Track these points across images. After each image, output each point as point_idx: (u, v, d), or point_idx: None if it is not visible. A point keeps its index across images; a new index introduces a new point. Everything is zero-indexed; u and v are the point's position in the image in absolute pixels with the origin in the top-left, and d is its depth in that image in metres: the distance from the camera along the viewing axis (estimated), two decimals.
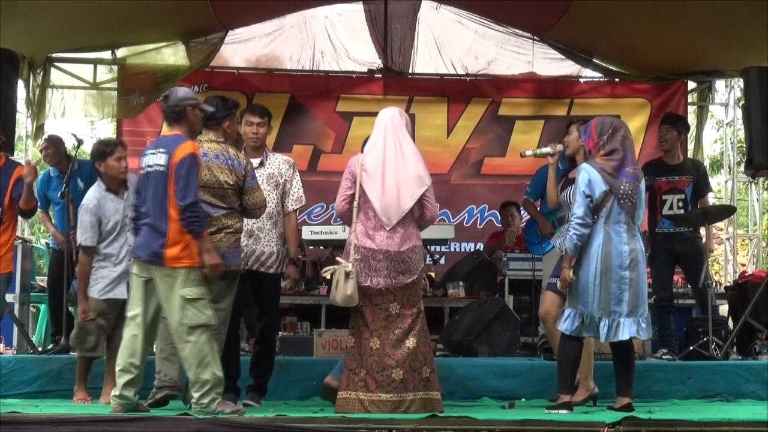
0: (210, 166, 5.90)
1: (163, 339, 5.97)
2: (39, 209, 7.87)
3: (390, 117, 6.04)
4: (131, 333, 5.65)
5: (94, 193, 6.48)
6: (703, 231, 8.33)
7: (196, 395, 5.47)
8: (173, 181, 5.53)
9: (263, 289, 6.30)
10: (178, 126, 5.73)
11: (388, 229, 5.84)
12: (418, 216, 5.95)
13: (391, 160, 5.91)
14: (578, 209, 5.77)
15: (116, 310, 6.43)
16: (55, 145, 8.08)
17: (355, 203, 5.94)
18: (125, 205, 6.44)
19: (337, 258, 5.98)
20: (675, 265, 8.36)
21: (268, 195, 6.23)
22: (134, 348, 5.62)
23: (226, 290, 5.96)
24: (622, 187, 5.79)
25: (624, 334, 5.79)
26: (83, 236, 6.43)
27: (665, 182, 8.17)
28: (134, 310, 5.68)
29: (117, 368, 5.66)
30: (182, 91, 5.83)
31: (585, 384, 6.36)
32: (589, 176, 5.79)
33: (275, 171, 6.37)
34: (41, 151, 8.37)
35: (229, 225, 5.92)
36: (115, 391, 5.61)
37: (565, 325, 5.85)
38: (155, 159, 5.63)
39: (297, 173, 6.48)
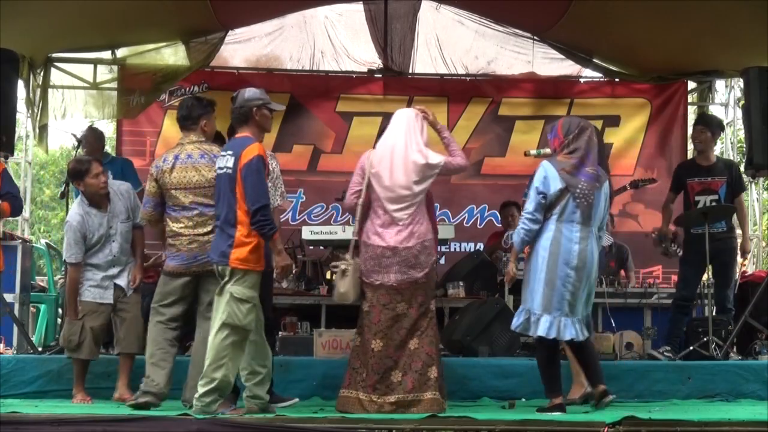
0: (197, 166, 5.97)
1: (154, 343, 6.01)
2: None
3: (407, 117, 6.09)
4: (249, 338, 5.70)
5: (78, 210, 6.53)
6: (739, 231, 8.33)
7: (200, 390, 5.50)
8: (240, 184, 5.56)
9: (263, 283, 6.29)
10: (246, 127, 5.77)
11: (400, 223, 5.87)
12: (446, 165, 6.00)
13: (399, 155, 5.95)
14: (529, 205, 5.84)
15: (107, 310, 6.50)
16: (94, 135, 8.11)
17: (360, 200, 5.98)
18: (109, 217, 6.52)
19: (344, 256, 5.98)
20: (705, 267, 8.32)
21: (269, 191, 6.24)
22: (253, 351, 5.70)
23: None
24: (580, 186, 5.79)
25: (565, 335, 5.81)
26: (68, 253, 6.50)
27: (698, 183, 8.21)
28: None
29: (244, 372, 5.73)
30: (248, 92, 5.82)
31: (578, 381, 6.42)
32: (545, 173, 5.83)
33: (270, 168, 6.39)
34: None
35: None
36: (247, 392, 5.69)
37: (513, 322, 5.95)
38: (224, 162, 5.68)
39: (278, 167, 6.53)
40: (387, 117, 10.16)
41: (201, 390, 5.50)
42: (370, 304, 5.93)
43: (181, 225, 6.02)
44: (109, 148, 10.61)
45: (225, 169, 5.65)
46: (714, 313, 8.16)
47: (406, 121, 6.06)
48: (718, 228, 8.06)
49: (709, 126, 8.42)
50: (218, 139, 8.52)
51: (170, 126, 10.29)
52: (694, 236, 8.10)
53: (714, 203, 8.11)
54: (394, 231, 5.88)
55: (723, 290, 8.12)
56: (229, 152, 5.68)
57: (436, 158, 5.98)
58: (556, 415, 5.64)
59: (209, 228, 5.92)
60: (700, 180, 8.22)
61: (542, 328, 5.78)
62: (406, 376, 5.82)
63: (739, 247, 8.31)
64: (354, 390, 5.86)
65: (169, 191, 6.05)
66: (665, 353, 7.88)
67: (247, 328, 5.57)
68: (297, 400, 6.27)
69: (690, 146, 10.47)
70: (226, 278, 5.60)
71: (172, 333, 6.07)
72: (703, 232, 7.92)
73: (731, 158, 11.00)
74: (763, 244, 11.45)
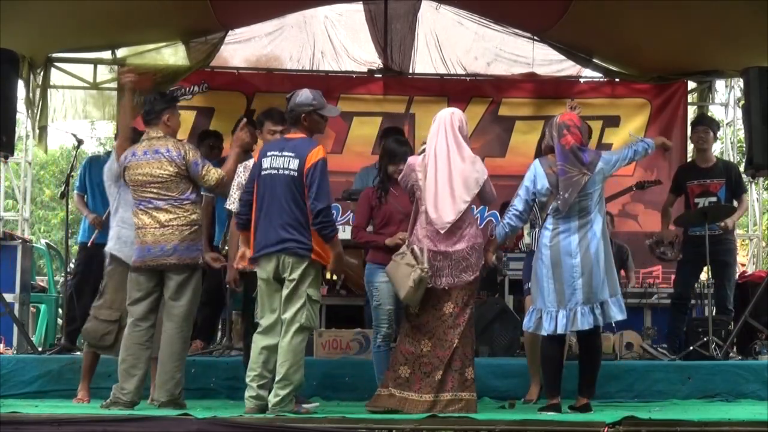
0: (160, 161, 6.00)
1: (125, 348, 5.95)
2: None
3: (442, 120, 6.05)
4: (264, 344, 5.72)
5: None
6: (739, 232, 8.32)
7: (281, 393, 5.55)
8: (307, 186, 5.62)
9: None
10: (298, 129, 5.84)
11: (443, 232, 5.87)
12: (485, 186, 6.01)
13: (442, 164, 5.94)
14: (518, 203, 5.96)
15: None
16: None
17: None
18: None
19: (415, 249, 5.88)
20: (702, 266, 8.33)
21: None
22: (269, 357, 5.70)
23: (184, 286, 6.00)
24: (560, 187, 5.85)
25: (583, 324, 5.82)
26: None
27: (697, 185, 8.24)
28: (268, 318, 5.75)
29: (251, 373, 5.71)
30: (300, 97, 5.87)
31: (536, 381, 6.56)
32: (534, 171, 5.97)
33: None
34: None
35: (180, 216, 5.98)
36: (250, 393, 5.68)
37: (524, 322, 5.99)
38: (283, 162, 5.69)
39: None
40: (387, 117, 10.35)
41: (281, 393, 5.55)
42: (422, 307, 5.92)
43: (139, 218, 6.02)
44: (110, 147, 10.62)
45: (286, 170, 5.67)
46: (714, 314, 8.18)
47: (443, 127, 6.01)
48: (715, 230, 8.07)
49: (711, 126, 8.47)
50: (211, 136, 8.57)
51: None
52: (692, 237, 8.14)
53: (713, 205, 8.11)
54: (444, 236, 5.88)
55: (722, 290, 8.13)
56: (289, 153, 5.69)
57: (481, 177, 5.95)
58: (552, 415, 5.67)
59: (163, 220, 5.94)
60: (699, 182, 8.24)
61: (560, 325, 5.81)
62: (447, 374, 5.83)
63: (737, 249, 8.31)
64: (393, 389, 5.86)
65: (131, 184, 6.08)
66: (659, 349, 7.90)
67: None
68: (318, 404, 6.24)
69: (690, 146, 10.49)
70: (295, 277, 5.61)
71: (144, 334, 5.98)
72: (700, 234, 7.95)
73: (731, 158, 11.03)
74: (763, 244, 11.45)
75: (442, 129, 6.00)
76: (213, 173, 6.08)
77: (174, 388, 5.96)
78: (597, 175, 5.93)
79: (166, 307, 6.03)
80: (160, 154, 6.03)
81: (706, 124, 8.53)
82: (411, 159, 6.09)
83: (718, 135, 8.70)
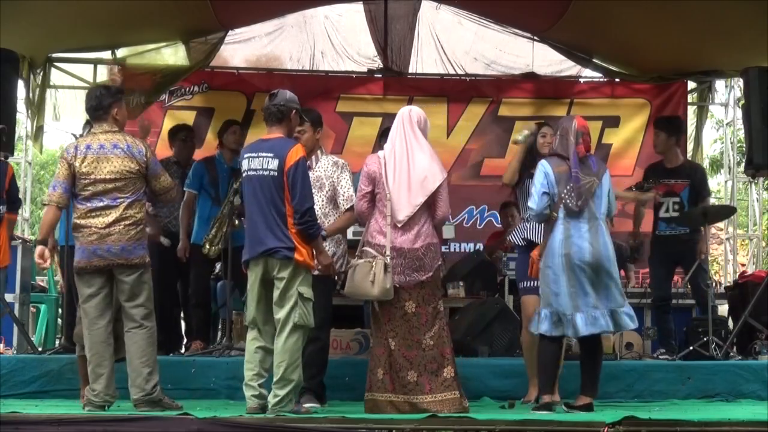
0: (108, 157, 5.85)
1: (89, 349, 5.87)
2: None
3: (401, 115, 6.08)
4: (258, 345, 5.73)
5: None
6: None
7: (279, 393, 5.55)
8: (288, 186, 5.61)
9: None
10: (279, 127, 5.78)
11: (399, 226, 5.86)
12: (432, 214, 5.97)
13: (401, 159, 5.94)
14: (531, 203, 5.96)
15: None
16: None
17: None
18: None
19: (368, 250, 5.91)
20: (674, 266, 8.38)
21: (315, 197, 6.10)
22: (264, 357, 5.71)
23: (137, 286, 5.88)
24: (566, 189, 5.88)
25: (600, 326, 5.85)
26: None
27: (662, 185, 8.21)
28: (260, 320, 5.75)
29: (250, 372, 5.70)
30: (289, 94, 5.88)
31: (533, 383, 6.49)
32: (545, 170, 5.95)
33: (321, 174, 6.30)
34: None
35: (129, 216, 5.85)
36: (252, 392, 5.67)
37: (543, 327, 5.89)
38: (262, 163, 5.67)
39: (345, 172, 6.35)
40: (387, 117, 10.35)
41: (280, 393, 5.55)
42: (380, 304, 5.92)
43: (84, 216, 5.86)
44: None
45: (265, 171, 5.64)
46: (699, 313, 8.21)
47: (401, 123, 6.04)
48: (681, 231, 8.10)
49: (663, 128, 8.42)
50: (182, 130, 8.58)
51: (171, 126, 10.27)
52: (659, 237, 8.18)
53: (676, 206, 8.15)
54: (399, 232, 5.88)
55: (698, 291, 8.15)
56: (267, 154, 5.67)
57: (440, 174, 5.94)
58: (549, 414, 5.67)
59: (111, 219, 5.79)
60: (665, 182, 8.23)
61: (581, 328, 5.80)
62: (422, 377, 5.81)
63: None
64: (375, 392, 5.86)
65: (78, 181, 5.91)
66: (660, 356, 7.90)
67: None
68: (318, 406, 6.21)
69: (690, 147, 10.51)
70: (285, 276, 5.60)
71: (104, 332, 5.86)
72: (669, 234, 8.08)
73: (731, 158, 11.04)
74: (763, 244, 11.45)
75: (401, 125, 6.03)
76: (167, 178, 6.02)
77: (144, 383, 5.79)
78: (603, 183, 6.00)
79: (124, 309, 5.88)
80: (119, 149, 5.86)
81: (656, 126, 8.58)
82: (370, 156, 6.10)
83: (675, 136, 8.50)
